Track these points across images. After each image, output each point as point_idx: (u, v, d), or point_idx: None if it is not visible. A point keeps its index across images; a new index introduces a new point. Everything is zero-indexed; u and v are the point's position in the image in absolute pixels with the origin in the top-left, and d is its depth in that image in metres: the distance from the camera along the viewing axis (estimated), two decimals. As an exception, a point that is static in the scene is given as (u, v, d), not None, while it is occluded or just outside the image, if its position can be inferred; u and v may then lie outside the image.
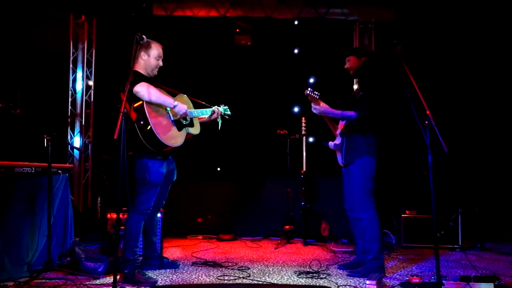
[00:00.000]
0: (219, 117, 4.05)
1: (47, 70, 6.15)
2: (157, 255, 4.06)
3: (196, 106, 4.03)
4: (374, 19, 6.56)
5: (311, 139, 6.36)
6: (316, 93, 3.84)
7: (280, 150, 6.23)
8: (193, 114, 3.84)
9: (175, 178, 4.01)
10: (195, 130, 3.89)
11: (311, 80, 6.83)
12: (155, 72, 3.73)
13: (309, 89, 3.83)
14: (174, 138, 3.58)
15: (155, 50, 3.66)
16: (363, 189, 3.87)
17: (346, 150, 4.03)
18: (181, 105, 3.59)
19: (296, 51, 6.98)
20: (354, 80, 6.64)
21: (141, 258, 3.78)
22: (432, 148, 3.23)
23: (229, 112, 4.19)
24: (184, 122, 3.74)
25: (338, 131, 4.22)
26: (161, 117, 3.52)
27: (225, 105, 4.18)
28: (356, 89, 4.12)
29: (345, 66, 4.24)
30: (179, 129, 3.67)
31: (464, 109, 6.42)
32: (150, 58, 3.65)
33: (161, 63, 3.73)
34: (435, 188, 3.19)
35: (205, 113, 3.99)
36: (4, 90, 5.37)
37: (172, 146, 3.54)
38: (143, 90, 3.40)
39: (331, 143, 4.23)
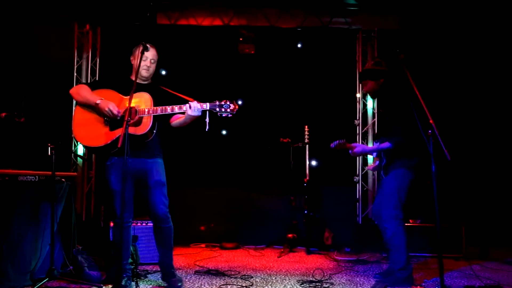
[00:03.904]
0: (207, 115, 3.33)
1: (51, 79, 6.17)
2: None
3: (176, 101, 3.50)
4: (377, 28, 6.58)
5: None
6: (341, 141, 3.98)
7: (283, 158, 6.23)
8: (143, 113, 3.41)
9: (155, 178, 3.55)
10: (137, 130, 3.38)
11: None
12: (144, 73, 3.55)
13: (333, 143, 4.01)
14: (98, 137, 3.39)
15: (135, 52, 3.59)
16: (392, 199, 3.90)
17: (385, 165, 4.07)
18: (105, 103, 3.35)
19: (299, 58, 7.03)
20: (359, 87, 6.66)
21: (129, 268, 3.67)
22: (435, 157, 3.23)
23: (223, 111, 3.36)
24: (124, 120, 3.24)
25: (374, 154, 4.27)
26: (89, 117, 3.45)
27: (222, 103, 3.37)
28: (382, 110, 4.14)
29: (363, 90, 4.30)
30: (112, 129, 3.41)
31: (467, 116, 6.40)
32: (133, 61, 3.65)
33: (146, 63, 3.53)
34: (439, 196, 3.18)
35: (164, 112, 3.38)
36: (9, 99, 5.40)
37: (90, 146, 3.43)
38: (73, 92, 3.51)
39: (370, 167, 4.28)
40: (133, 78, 3.50)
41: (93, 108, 3.43)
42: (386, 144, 3.91)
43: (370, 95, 4.24)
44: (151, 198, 3.57)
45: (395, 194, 3.87)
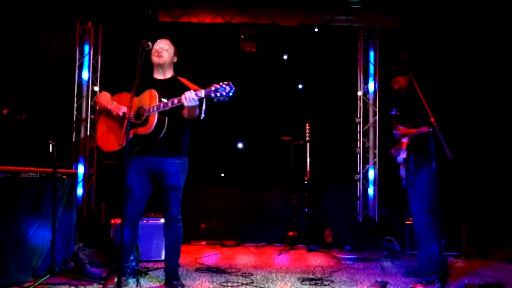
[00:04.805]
0: (204, 102, 3.23)
1: (53, 76, 6.18)
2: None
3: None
4: (379, 26, 6.57)
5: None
6: (397, 113, 4.12)
7: (284, 156, 6.23)
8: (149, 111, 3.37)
9: (170, 182, 3.54)
10: (143, 129, 3.37)
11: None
12: (156, 60, 3.59)
13: (393, 110, 4.12)
14: (114, 142, 3.43)
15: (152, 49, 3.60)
16: (422, 196, 4.00)
17: (415, 161, 4.10)
18: (116, 108, 3.45)
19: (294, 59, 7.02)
20: (360, 85, 6.65)
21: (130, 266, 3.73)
22: (437, 155, 3.23)
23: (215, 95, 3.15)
24: (136, 122, 3.39)
25: (404, 146, 4.25)
26: (108, 123, 3.55)
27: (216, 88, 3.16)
28: (414, 104, 4.12)
29: (395, 88, 4.27)
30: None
31: (469, 114, 6.38)
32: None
33: (157, 49, 3.60)
34: (439, 195, 3.18)
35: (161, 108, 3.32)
36: (11, 96, 5.41)
37: (109, 151, 3.48)
38: (96, 102, 3.72)
39: (399, 158, 4.24)
40: (155, 76, 3.64)
41: (110, 114, 3.49)
42: (424, 129, 3.87)
43: (403, 92, 4.22)
44: (165, 200, 3.59)
45: (426, 190, 3.95)
